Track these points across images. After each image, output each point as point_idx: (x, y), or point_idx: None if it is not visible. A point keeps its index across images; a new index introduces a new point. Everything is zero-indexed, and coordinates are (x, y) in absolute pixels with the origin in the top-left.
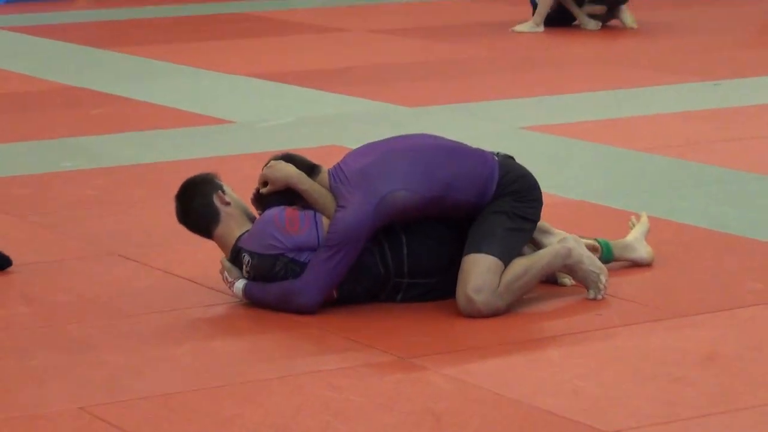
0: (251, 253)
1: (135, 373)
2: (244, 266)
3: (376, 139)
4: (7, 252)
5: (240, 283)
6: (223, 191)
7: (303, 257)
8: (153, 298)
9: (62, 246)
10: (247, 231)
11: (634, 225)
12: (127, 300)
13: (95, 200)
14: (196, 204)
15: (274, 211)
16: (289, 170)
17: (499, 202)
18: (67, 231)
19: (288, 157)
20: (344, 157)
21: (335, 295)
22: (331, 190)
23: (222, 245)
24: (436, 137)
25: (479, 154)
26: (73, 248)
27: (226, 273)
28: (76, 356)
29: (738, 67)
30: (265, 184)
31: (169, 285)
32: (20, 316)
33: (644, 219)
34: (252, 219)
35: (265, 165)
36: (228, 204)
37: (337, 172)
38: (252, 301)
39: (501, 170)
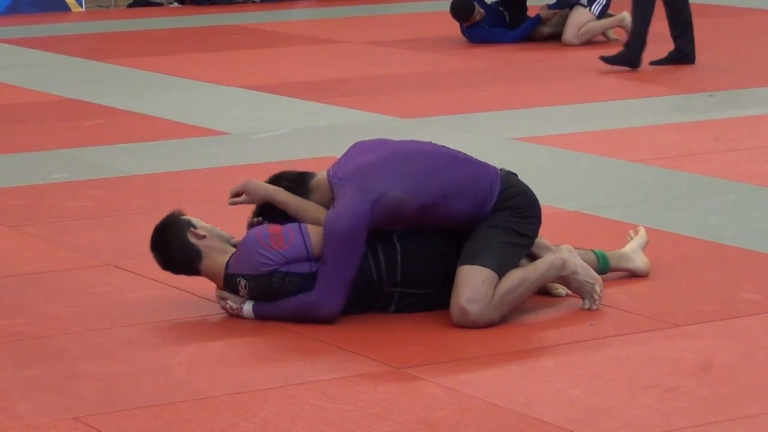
0: (246, 276)
1: (130, 384)
2: (240, 289)
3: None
4: (2, 263)
5: (248, 305)
6: (194, 226)
7: (299, 268)
8: (148, 308)
9: (57, 257)
10: (232, 255)
11: (632, 239)
12: (122, 310)
13: (90, 211)
14: (174, 249)
15: (256, 230)
16: (266, 186)
17: (497, 216)
18: (61, 242)
19: (275, 178)
20: (348, 152)
21: None
22: (331, 187)
23: (211, 277)
24: (442, 146)
25: (483, 165)
26: (68, 259)
27: (229, 302)
28: (71, 367)
29: (732, 78)
30: (238, 195)
31: (164, 295)
32: (15, 326)
33: (642, 232)
34: (230, 241)
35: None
36: (203, 237)
37: (337, 168)
38: (265, 319)
39: (502, 184)
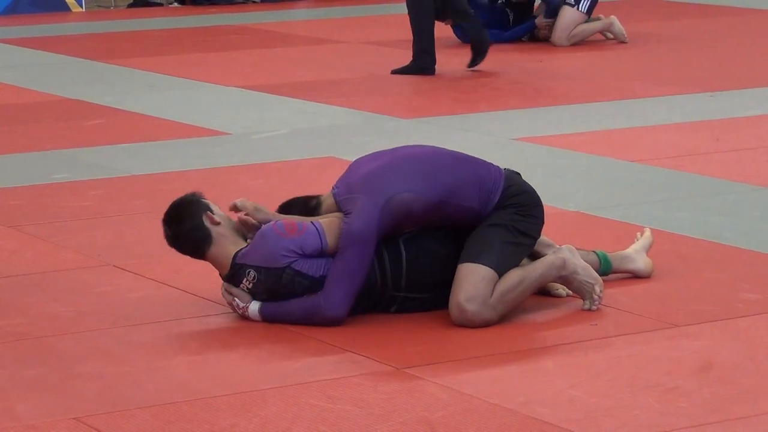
0: (257, 268)
1: (131, 384)
2: (245, 281)
3: (374, 150)
4: (2, 263)
5: (255, 306)
6: (212, 211)
7: (310, 269)
8: (148, 308)
9: (57, 257)
10: (243, 247)
11: (638, 240)
12: (123, 311)
13: (90, 211)
14: (187, 227)
15: (271, 224)
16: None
17: (500, 214)
18: (62, 242)
19: (287, 206)
20: (348, 169)
21: None
22: (339, 205)
23: (217, 264)
24: (441, 147)
25: (484, 163)
26: (68, 259)
27: (236, 300)
28: (71, 367)
29: (733, 78)
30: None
31: (165, 296)
32: (15, 326)
33: (647, 233)
34: (244, 235)
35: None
36: (218, 224)
37: (341, 185)
38: (270, 321)
39: (506, 182)
